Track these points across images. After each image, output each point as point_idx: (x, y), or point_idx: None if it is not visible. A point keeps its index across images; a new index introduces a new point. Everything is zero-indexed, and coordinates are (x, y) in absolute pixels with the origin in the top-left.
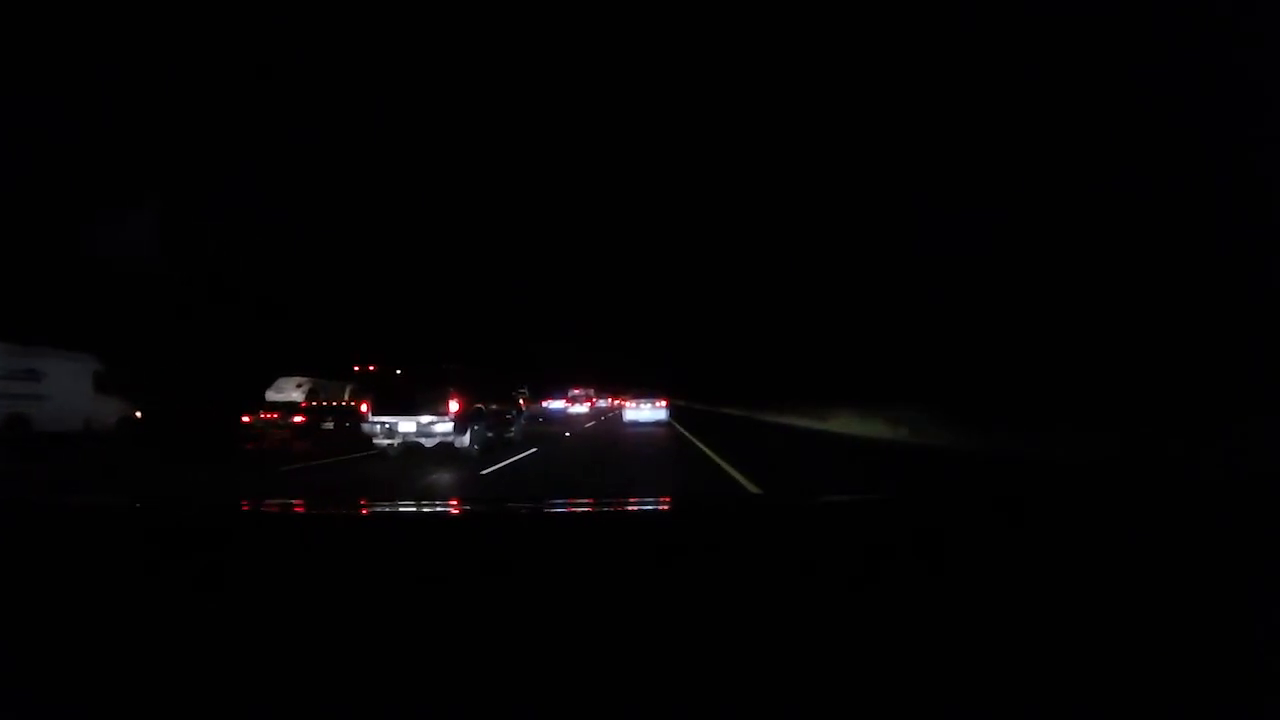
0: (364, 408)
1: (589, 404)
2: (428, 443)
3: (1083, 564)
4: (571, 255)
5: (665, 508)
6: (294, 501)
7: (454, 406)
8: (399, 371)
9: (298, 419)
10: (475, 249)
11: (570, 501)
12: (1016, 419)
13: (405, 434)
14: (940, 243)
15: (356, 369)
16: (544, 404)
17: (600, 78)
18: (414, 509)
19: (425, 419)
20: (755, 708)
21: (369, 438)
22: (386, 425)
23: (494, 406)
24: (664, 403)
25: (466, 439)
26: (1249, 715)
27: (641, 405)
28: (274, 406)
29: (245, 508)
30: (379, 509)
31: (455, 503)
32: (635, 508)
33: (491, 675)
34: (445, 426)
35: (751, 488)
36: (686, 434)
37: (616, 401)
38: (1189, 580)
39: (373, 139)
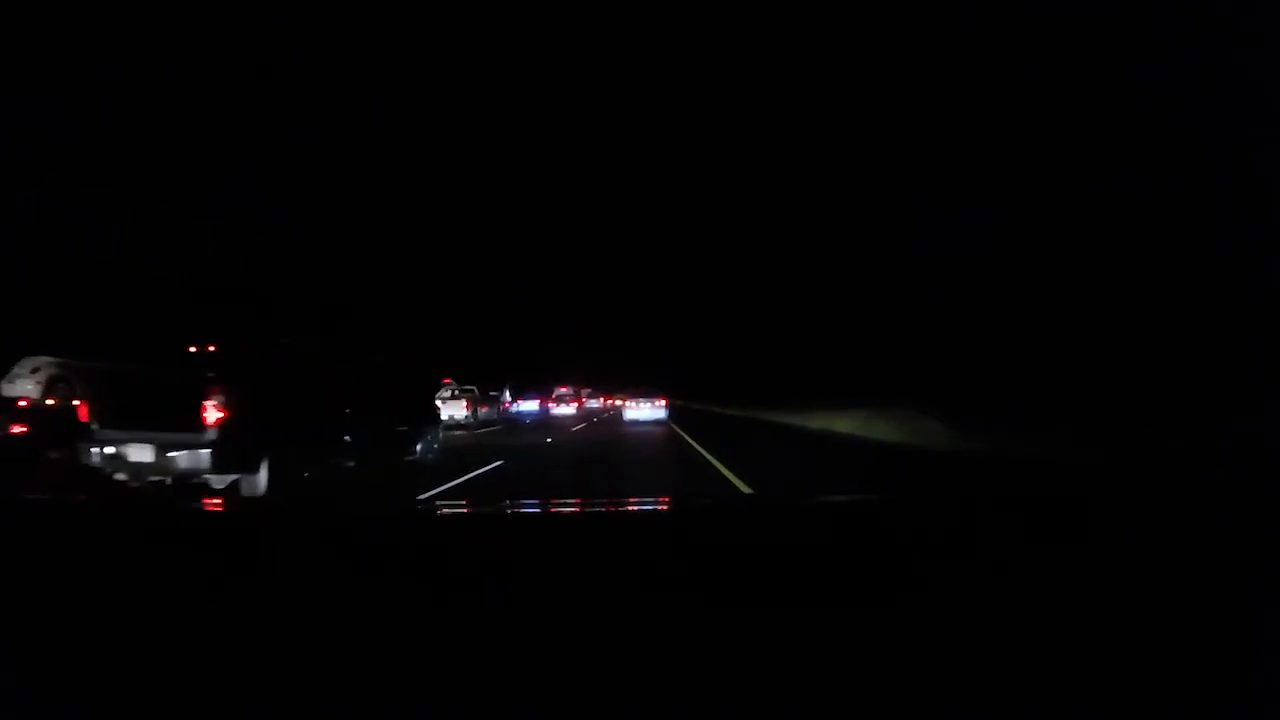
0: (84, 415)
1: (576, 405)
2: (217, 482)
3: (1083, 564)
4: (571, 255)
5: (664, 508)
6: (293, 502)
7: (212, 417)
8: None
9: (17, 428)
10: (475, 248)
11: (569, 502)
12: (1016, 419)
13: (140, 465)
14: (940, 243)
15: (194, 349)
16: (510, 405)
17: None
18: (413, 510)
19: (169, 438)
20: (755, 707)
21: (104, 473)
22: (110, 450)
23: (378, 414)
24: (663, 402)
25: (260, 479)
26: (1249, 716)
27: (641, 404)
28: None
29: (243, 508)
30: (377, 509)
31: (457, 503)
32: (635, 508)
33: (490, 676)
34: (197, 458)
35: (748, 489)
36: (685, 435)
37: (610, 402)
38: (1189, 581)
39: (373, 139)
